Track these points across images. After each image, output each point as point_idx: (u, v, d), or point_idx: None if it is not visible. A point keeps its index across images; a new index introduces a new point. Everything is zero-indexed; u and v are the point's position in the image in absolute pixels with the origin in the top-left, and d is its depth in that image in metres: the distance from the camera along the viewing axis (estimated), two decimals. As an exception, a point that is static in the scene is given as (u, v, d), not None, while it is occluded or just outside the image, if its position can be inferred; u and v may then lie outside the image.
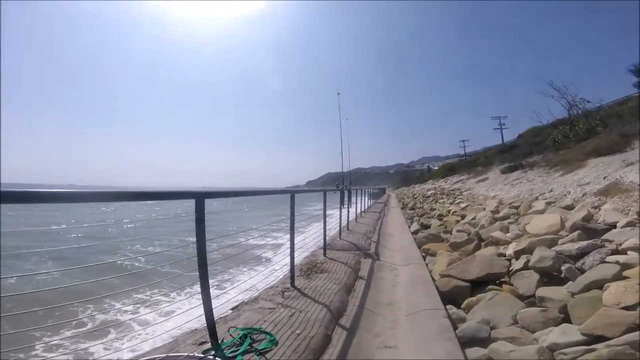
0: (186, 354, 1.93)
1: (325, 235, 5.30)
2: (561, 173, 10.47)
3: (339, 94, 9.98)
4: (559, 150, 15.12)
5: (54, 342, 4.44)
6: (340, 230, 7.12)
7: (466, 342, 2.54)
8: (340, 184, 9.23)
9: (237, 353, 2.09)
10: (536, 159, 16.34)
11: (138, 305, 6.05)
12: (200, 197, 2.06)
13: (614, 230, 4.03)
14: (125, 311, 5.70)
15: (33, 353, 4.33)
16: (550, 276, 3.43)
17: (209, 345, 2.14)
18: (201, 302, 2.11)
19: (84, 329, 5.08)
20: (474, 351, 2.39)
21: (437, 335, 2.54)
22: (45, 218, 23.47)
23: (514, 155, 20.69)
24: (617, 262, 3.05)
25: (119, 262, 8.50)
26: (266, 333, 2.40)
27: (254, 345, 2.22)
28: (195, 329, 2.68)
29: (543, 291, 3.09)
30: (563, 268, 3.37)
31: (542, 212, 6.28)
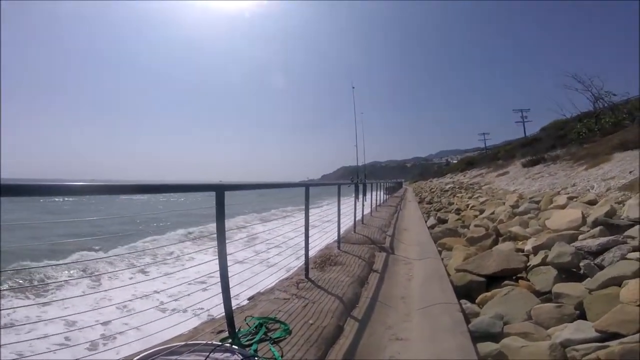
0: (205, 341, 2.02)
1: (339, 229, 5.34)
2: (585, 167, 10.12)
3: (353, 87, 9.95)
4: (583, 144, 14.60)
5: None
6: (354, 223, 7.13)
7: (478, 337, 2.55)
8: (355, 178, 9.23)
9: (252, 341, 2.17)
10: (559, 152, 15.81)
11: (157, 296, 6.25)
12: (220, 190, 2.12)
13: (637, 226, 3.90)
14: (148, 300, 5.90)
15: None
16: (568, 272, 3.36)
17: (226, 334, 2.23)
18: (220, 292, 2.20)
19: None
20: (486, 346, 2.40)
21: (449, 329, 2.56)
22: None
23: (536, 148, 20.07)
24: (638, 259, 2.97)
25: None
26: (280, 322, 2.48)
27: (268, 334, 2.31)
28: (214, 319, 2.79)
29: (560, 287, 3.04)
30: (582, 264, 3.30)
31: (563, 207, 6.10)
